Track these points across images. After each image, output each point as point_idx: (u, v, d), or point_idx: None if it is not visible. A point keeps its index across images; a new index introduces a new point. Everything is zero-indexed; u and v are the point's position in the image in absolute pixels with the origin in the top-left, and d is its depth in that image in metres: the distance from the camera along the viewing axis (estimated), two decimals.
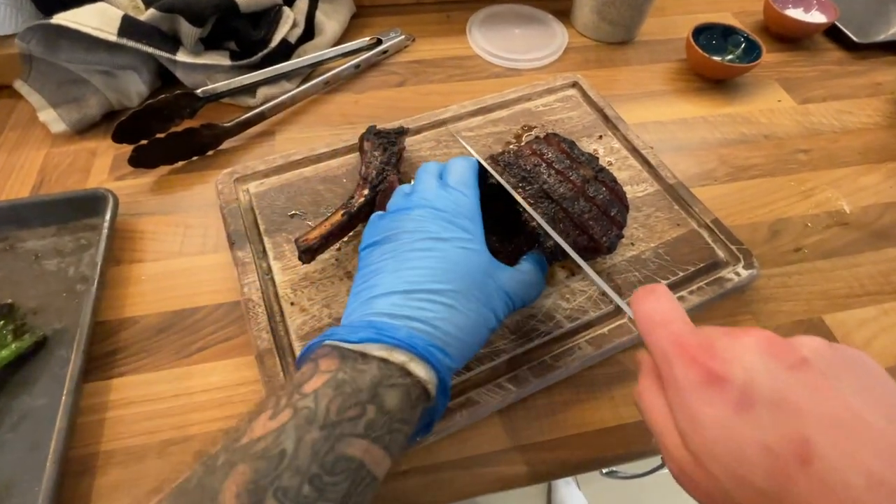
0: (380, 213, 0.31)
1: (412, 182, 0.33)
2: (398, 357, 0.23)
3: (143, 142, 0.43)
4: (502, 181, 0.35)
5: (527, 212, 0.34)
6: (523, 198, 0.36)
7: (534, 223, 0.35)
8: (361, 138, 0.42)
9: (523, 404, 0.35)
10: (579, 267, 0.39)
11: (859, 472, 0.16)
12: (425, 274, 0.26)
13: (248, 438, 0.21)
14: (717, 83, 0.57)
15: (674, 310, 0.23)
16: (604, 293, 0.36)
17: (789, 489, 0.17)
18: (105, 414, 0.33)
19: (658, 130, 0.52)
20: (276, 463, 0.20)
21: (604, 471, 0.74)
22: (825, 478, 0.16)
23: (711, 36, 0.59)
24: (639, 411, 0.23)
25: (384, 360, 0.23)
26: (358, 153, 0.45)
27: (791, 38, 0.63)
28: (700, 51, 0.54)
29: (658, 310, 0.23)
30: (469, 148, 0.37)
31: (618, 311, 0.37)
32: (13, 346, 0.34)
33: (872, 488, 0.16)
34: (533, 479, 0.33)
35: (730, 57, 0.58)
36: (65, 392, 0.32)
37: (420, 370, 0.24)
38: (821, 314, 0.40)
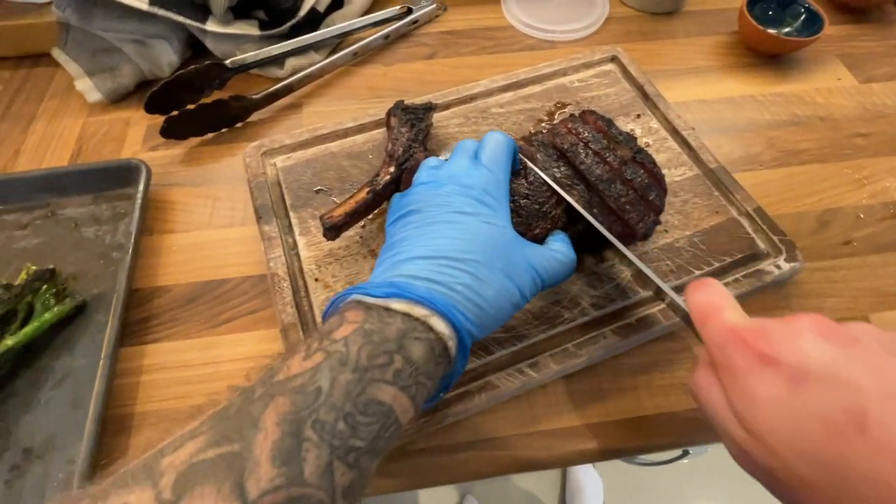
0: (401, 192, 0.31)
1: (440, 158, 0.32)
2: (419, 311, 0.24)
3: (174, 113, 0.44)
4: (541, 173, 0.33)
5: (558, 195, 0.33)
6: (558, 179, 0.35)
7: (563, 206, 0.34)
8: (388, 114, 0.41)
9: (543, 390, 0.34)
10: (609, 252, 0.38)
11: None
12: (448, 243, 0.26)
13: (284, 375, 0.22)
14: (771, 58, 0.53)
15: (726, 300, 0.24)
16: (643, 280, 0.35)
17: (848, 456, 0.18)
18: (139, 378, 0.35)
19: (701, 110, 0.49)
20: (314, 398, 0.21)
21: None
22: (883, 443, 0.17)
23: (768, 6, 0.54)
24: (695, 401, 0.24)
25: (407, 315, 0.24)
26: (385, 129, 0.44)
27: (858, 7, 0.57)
28: (754, 22, 0.50)
29: (711, 301, 0.24)
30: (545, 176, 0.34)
31: (647, 302, 0.36)
32: (55, 309, 0.36)
33: None
34: (548, 464, 0.33)
35: (787, 30, 0.54)
36: (103, 355, 0.33)
37: (440, 325, 0.24)
38: (867, 312, 0.38)
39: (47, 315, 0.35)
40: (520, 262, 0.28)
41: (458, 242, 0.26)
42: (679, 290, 0.36)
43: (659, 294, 0.31)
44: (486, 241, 0.27)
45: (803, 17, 0.53)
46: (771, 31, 0.50)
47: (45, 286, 0.36)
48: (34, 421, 0.33)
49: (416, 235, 0.27)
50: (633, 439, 0.33)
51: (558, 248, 0.31)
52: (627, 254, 0.31)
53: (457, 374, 0.27)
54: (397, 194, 0.31)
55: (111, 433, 0.33)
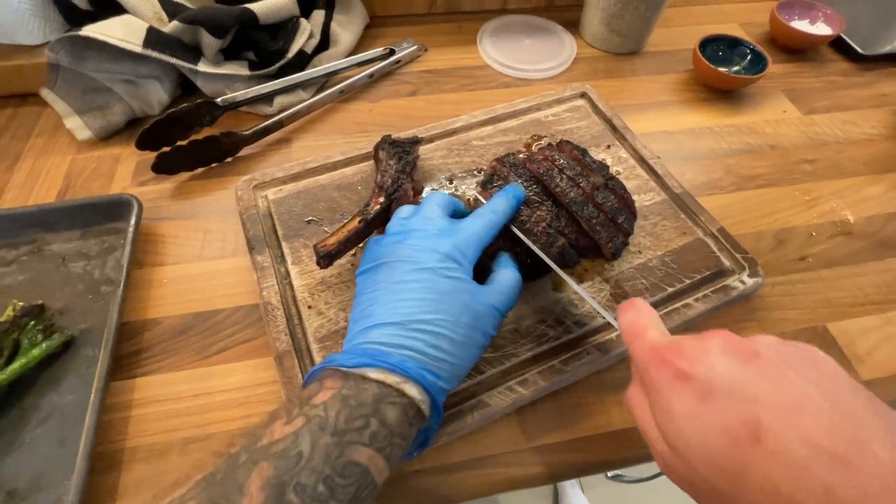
0: (377, 237, 0.33)
1: (424, 189, 0.34)
2: (393, 379, 0.26)
3: (166, 149, 0.45)
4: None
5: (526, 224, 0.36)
6: (528, 198, 0.38)
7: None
8: (377, 147, 0.43)
9: (533, 407, 0.36)
10: (588, 273, 0.40)
11: (804, 444, 0.18)
12: (416, 305, 0.28)
13: (267, 440, 0.23)
14: (723, 94, 0.58)
15: (649, 320, 0.26)
16: (600, 304, 0.38)
17: (746, 464, 0.19)
18: (129, 412, 0.35)
19: (666, 140, 0.53)
20: (295, 462, 0.22)
21: (609, 474, 0.75)
22: (775, 451, 0.18)
23: (718, 47, 0.60)
24: (629, 414, 0.25)
25: (381, 382, 0.25)
26: (372, 161, 0.46)
27: (797, 49, 0.63)
28: (706, 62, 0.55)
29: (636, 321, 0.26)
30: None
31: None
32: (43, 345, 0.35)
33: (815, 456, 0.18)
34: (542, 480, 0.34)
35: (736, 68, 0.59)
36: (93, 390, 0.33)
37: (413, 391, 0.26)
38: (825, 322, 0.41)
39: (35, 351, 0.35)
40: (482, 309, 0.29)
41: (424, 304, 0.28)
42: (654, 307, 0.38)
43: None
44: (450, 297, 0.28)
45: (749, 56, 0.59)
46: (722, 69, 0.56)
47: (32, 322, 0.36)
48: (19, 461, 0.32)
49: (385, 297, 0.28)
50: (619, 451, 0.35)
51: (507, 276, 0.33)
52: (567, 280, 0.34)
53: (433, 431, 0.29)
54: (373, 239, 0.33)
55: (101, 470, 0.32)
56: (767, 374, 0.20)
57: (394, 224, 0.33)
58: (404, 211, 0.34)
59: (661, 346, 0.23)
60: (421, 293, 0.28)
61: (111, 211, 0.43)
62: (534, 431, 0.35)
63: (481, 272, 0.33)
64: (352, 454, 0.23)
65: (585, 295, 0.32)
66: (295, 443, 0.23)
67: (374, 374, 0.25)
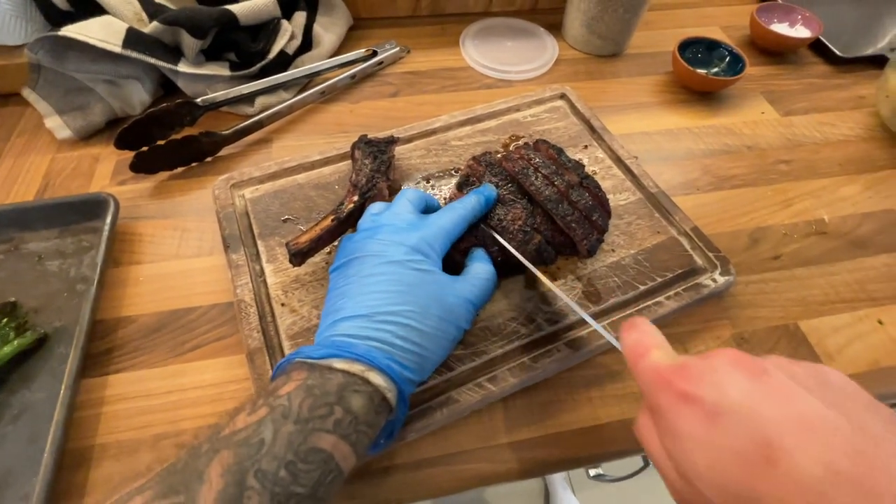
0: (350, 234, 0.33)
1: (400, 188, 0.35)
2: (357, 368, 0.26)
3: (145, 148, 0.45)
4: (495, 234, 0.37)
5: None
6: (503, 196, 0.38)
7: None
8: (353, 147, 0.43)
9: (503, 404, 0.36)
10: (560, 271, 0.40)
11: (818, 465, 0.17)
12: (383, 297, 0.28)
13: (229, 430, 0.23)
14: (702, 95, 0.59)
15: (653, 340, 0.24)
16: (594, 297, 0.38)
17: (761, 489, 0.18)
18: (101, 409, 0.35)
19: (644, 141, 0.54)
20: (256, 449, 0.22)
21: (591, 473, 0.75)
22: (790, 474, 0.17)
23: (697, 50, 0.60)
24: (640, 443, 0.24)
25: (346, 371, 0.26)
26: (350, 161, 0.46)
27: (776, 51, 0.64)
28: (685, 64, 0.56)
29: (640, 341, 0.24)
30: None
31: (597, 316, 0.38)
32: (15, 342, 0.35)
33: (830, 478, 0.17)
34: (513, 476, 0.34)
35: (714, 70, 0.60)
36: (63, 387, 0.33)
37: (378, 379, 0.26)
38: (796, 320, 0.41)
39: (6, 348, 0.35)
40: (454, 301, 0.30)
41: (391, 296, 0.28)
42: (625, 304, 0.39)
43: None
44: (418, 289, 0.29)
45: (727, 59, 0.60)
46: (700, 71, 0.56)
47: (5, 319, 0.36)
48: None
49: (354, 291, 0.29)
50: (589, 447, 0.35)
51: (480, 269, 0.33)
52: (549, 283, 0.34)
53: (399, 422, 0.29)
54: (346, 237, 0.33)
55: (69, 467, 0.32)
56: (778, 391, 0.19)
57: (365, 220, 0.34)
58: (375, 207, 0.35)
59: (665, 367, 0.22)
60: (388, 285, 0.29)
61: (88, 210, 0.43)
62: (504, 428, 0.35)
63: (455, 270, 0.33)
64: (315, 441, 0.23)
65: (577, 308, 0.32)
66: (257, 431, 0.23)
67: (339, 364, 0.26)
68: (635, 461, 0.70)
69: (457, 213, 0.34)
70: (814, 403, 0.18)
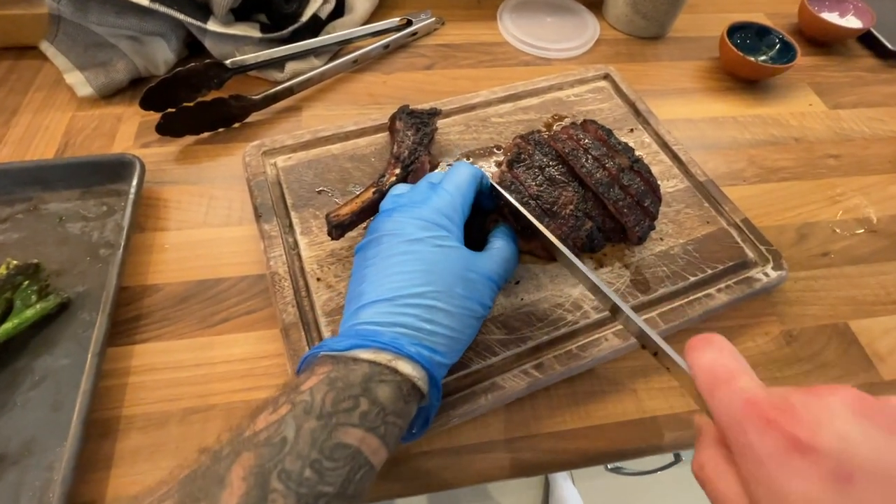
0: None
1: (440, 164, 0.32)
2: (384, 357, 0.24)
3: (172, 109, 0.43)
4: (511, 199, 0.33)
5: (566, 194, 0.35)
6: (554, 177, 0.36)
7: (571, 209, 0.35)
8: (393, 118, 0.41)
9: (546, 392, 0.34)
10: (607, 258, 0.39)
11: None
12: (405, 279, 0.26)
13: (250, 431, 0.22)
14: (747, 83, 0.56)
15: (738, 362, 0.20)
16: (643, 286, 0.36)
17: None
18: (127, 379, 0.33)
19: (688, 128, 0.52)
20: (279, 449, 0.21)
21: (608, 466, 0.75)
22: None
23: (745, 35, 0.58)
24: (701, 485, 0.19)
25: (372, 361, 0.24)
26: (387, 133, 0.44)
27: (824, 41, 0.62)
28: (735, 49, 0.54)
29: (721, 363, 0.20)
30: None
31: (646, 306, 0.36)
32: (38, 306, 0.34)
33: None
34: (551, 467, 0.33)
35: (763, 58, 0.57)
36: (90, 354, 0.31)
37: (407, 367, 0.24)
38: (846, 320, 0.40)
39: (29, 312, 0.33)
40: (476, 278, 0.28)
41: (414, 276, 0.26)
42: (674, 295, 0.37)
43: (615, 313, 0.28)
44: (442, 268, 0.27)
45: (778, 46, 0.57)
46: (750, 57, 0.54)
47: (27, 281, 0.34)
48: (10, 425, 0.31)
49: (375, 275, 0.27)
50: (632, 441, 0.34)
51: (501, 247, 0.31)
52: (588, 273, 0.29)
53: (433, 408, 0.27)
54: (374, 217, 0.32)
55: (95, 437, 0.31)
56: None
57: (386, 201, 0.32)
58: (398, 188, 0.32)
59: (762, 400, 0.18)
60: (409, 265, 0.27)
61: (112, 171, 0.41)
62: (546, 417, 0.34)
63: (479, 246, 0.31)
64: (341, 436, 0.22)
65: (633, 316, 0.26)
66: (278, 430, 0.22)
67: (365, 354, 0.24)
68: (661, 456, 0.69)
69: (461, 176, 0.31)
70: None
